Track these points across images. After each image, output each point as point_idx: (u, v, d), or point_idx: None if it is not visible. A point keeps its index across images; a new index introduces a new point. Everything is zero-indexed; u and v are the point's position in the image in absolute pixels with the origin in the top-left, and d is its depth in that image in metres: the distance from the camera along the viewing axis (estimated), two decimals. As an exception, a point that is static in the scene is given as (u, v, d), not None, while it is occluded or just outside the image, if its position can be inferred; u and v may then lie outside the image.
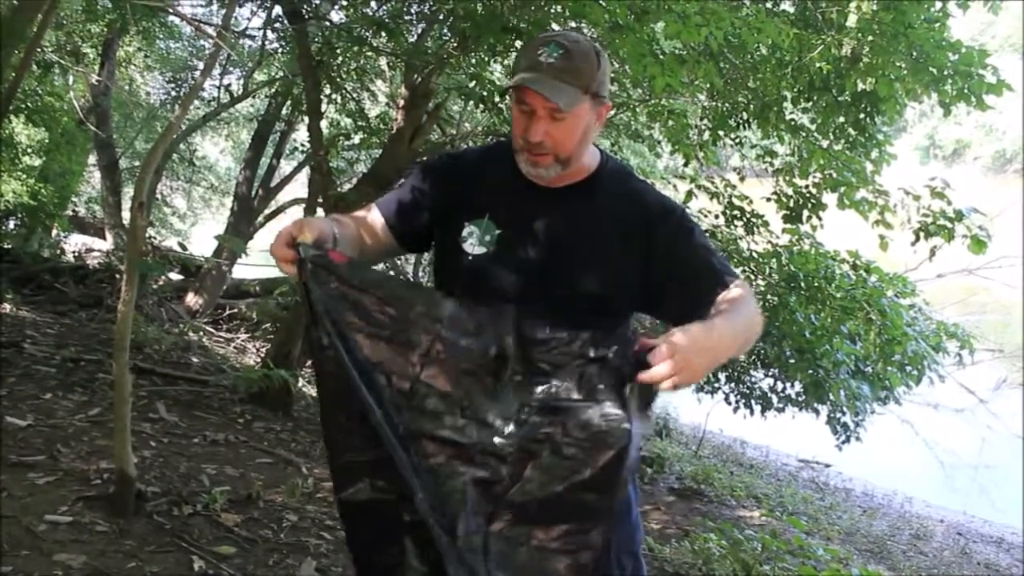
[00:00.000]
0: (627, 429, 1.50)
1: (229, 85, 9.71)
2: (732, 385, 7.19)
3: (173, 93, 12.09)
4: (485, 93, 5.61)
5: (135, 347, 5.92)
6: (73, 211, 12.00)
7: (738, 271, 1.90)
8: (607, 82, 1.79)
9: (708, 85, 5.57)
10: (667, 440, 9.24)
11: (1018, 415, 9.12)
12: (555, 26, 5.18)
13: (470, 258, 1.82)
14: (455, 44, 5.48)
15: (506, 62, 6.26)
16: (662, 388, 1.48)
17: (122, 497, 3.31)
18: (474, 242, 1.83)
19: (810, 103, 5.91)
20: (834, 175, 5.66)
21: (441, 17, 5.67)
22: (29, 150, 9.68)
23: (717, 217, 7.07)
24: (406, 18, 6.13)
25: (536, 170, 1.79)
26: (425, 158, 5.81)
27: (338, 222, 1.83)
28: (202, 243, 13.95)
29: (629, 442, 1.50)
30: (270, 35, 7.39)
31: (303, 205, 7.60)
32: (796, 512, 7.02)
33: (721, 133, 6.37)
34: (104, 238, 11.08)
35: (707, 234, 6.77)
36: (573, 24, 5.28)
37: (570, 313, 1.75)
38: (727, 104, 6.07)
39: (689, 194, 6.94)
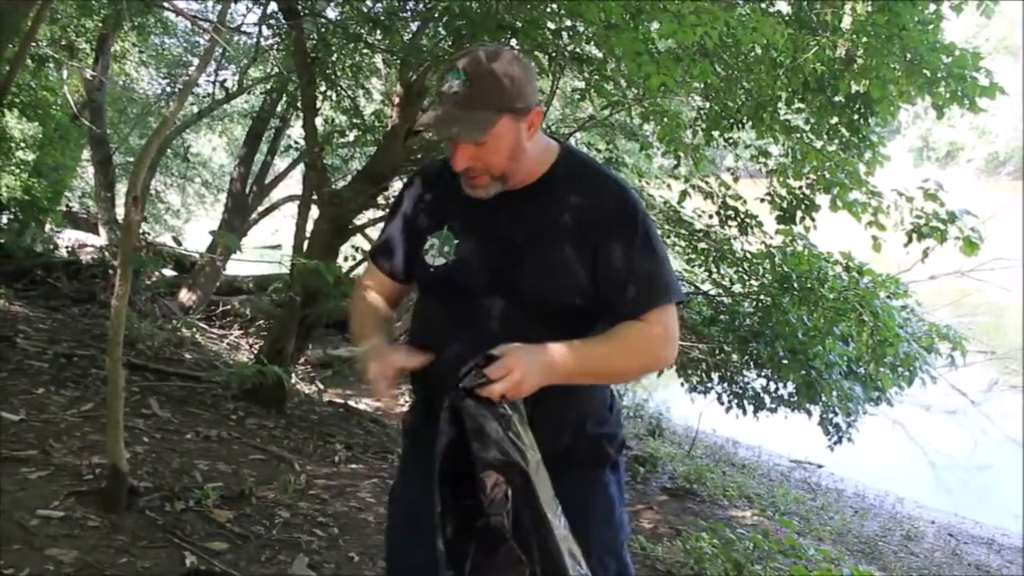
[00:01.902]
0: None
1: (224, 81, 9.70)
2: (725, 385, 7.20)
3: (168, 89, 12.07)
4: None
5: (128, 343, 5.90)
6: (67, 206, 11.97)
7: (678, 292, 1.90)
8: (528, 89, 1.76)
9: (702, 85, 5.58)
10: (660, 440, 9.25)
11: (1009, 416, 9.16)
12: (550, 24, 5.18)
13: (432, 270, 1.84)
14: (450, 42, 5.48)
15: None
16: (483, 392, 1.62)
17: (114, 492, 3.32)
18: (435, 254, 1.84)
19: (803, 104, 5.92)
20: (827, 176, 5.67)
21: (436, 15, 5.66)
22: (23, 144, 9.65)
23: (711, 217, 7.08)
24: (402, 15, 6.13)
25: (475, 192, 1.80)
26: (413, 165, 5.81)
27: (372, 317, 1.97)
28: (196, 239, 13.92)
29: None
30: (265, 31, 7.38)
31: (297, 202, 7.59)
32: (788, 512, 7.03)
33: (715, 133, 6.37)
34: (97, 233, 11.06)
35: (701, 233, 6.83)
36: (569, 22, 5.28)
37: (539, 316, 1.77)
38: (721, 104, 6.07)
39: (683, 194, 6.95)
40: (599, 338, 1.79)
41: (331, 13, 6.87)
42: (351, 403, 7.47)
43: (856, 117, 5.79)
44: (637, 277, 1.79)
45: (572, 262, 1.78)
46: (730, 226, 6.98)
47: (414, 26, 6.28)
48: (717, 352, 6.95)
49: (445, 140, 1.73)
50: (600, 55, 5.45)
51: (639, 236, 1.81)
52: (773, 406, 6.90)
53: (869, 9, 4.98)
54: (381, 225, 2.06)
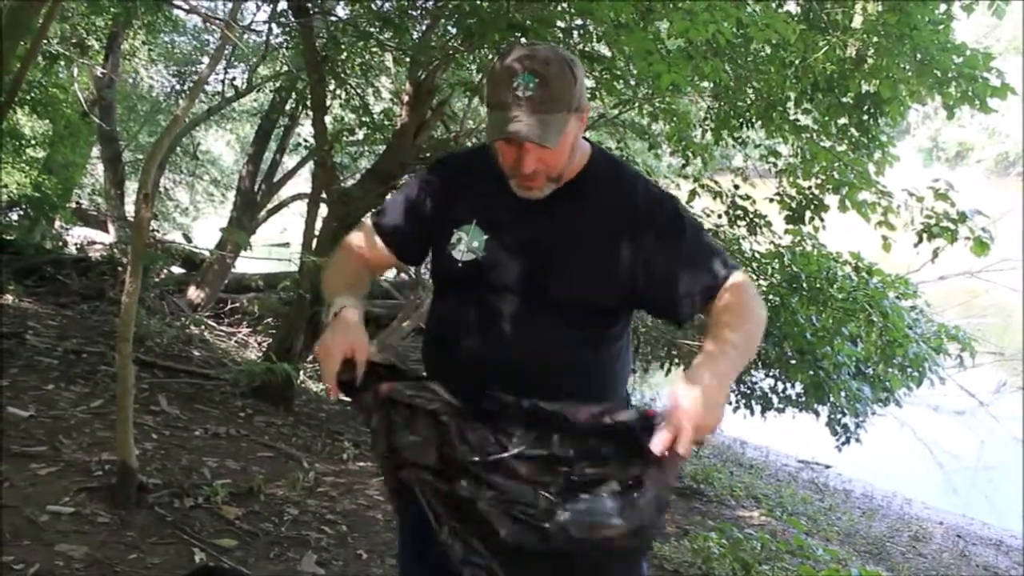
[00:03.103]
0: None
1: (234, 79, 9.72)
2: (732, 385, 7.17)
3: (177, 87, 12.10)
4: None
5: (137, 340, 5.92)
6: (76, 203, 12.01)
7: (734, 261, 1.88)
8: (584, 88, 1.76)
9: (712, 84, 5.57)
10: (667, 439, 9.22)
11: (1017, 418, 9.11)
12: (560, 23, 5.17)
13: (460, 265, 1.82)
14: (460, 40, 5.48)
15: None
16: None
17: (124, 488, 3.33)
18: (463, 249, 1.82)
19: (813, 104, 5.90)
20: (837, 176, 5.66)
21: (447, 13, 5.66)
22: (33, 142, 9.66)
23: (720, 217, 7.07)
24: (411, 14, 6.13)
25: (531, 193, 1.78)
26: (423, 164, 5.81)
27: (352, 274, 1.92)
28: (204, 238, 13.95)
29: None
30: (275, 29, 7.38)
31: (306, 200, 7.60)
32: (795, 513, 7.02)
33: (724, 133, 6.36)
34: (107, 231, 11.10)
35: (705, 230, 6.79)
36: (579, 21, 5.28)
37: (564, 316, 1.76)
38: (730, 104, 6.06)
39: (692, 193, 6.95)
40: (723, 336, 1.69)
41: (341, 11, 6.87)
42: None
43: (866, 117, 5.77)
44: (704, 259, 1.78)
45: (610, 264, 1.77)
46: (739, 226, 6.97)
47: (424, 24, 6.28)
48: (725, 352, 6.92)
49: (525, 138, 1.67)
50: (610, 54, 5.45)
51: (685, 226, 1.81)
52: (781, 406, 6.88)
53: (880, 9, 4.97)
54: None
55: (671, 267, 1.77)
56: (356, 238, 2.00)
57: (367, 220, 2.02)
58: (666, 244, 1.78)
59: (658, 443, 1.50)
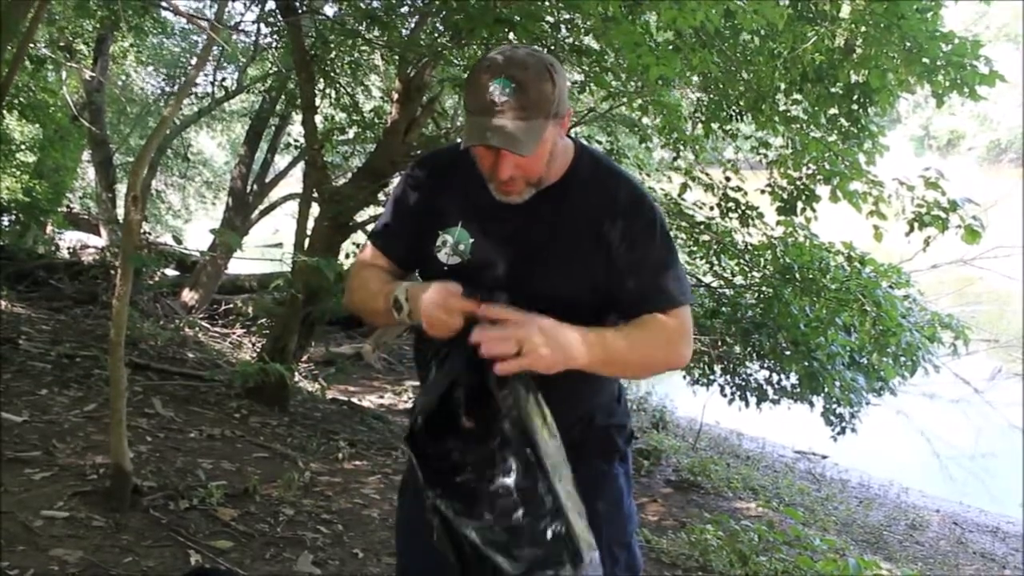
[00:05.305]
0: None
1: (223, 80, 9.70)
2: (727, 377, 7.19)
3: (167, 89, 12.09)
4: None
5: (131, 343, 5.92)
6: (68, 207, 11.98)
7: (692, 293, 1.91)
8: (565, 94, 1.73)
9: (700, 76, 5.57)
10: (664, 432, 9.24)
11: (1013, 405, 9.14)
12: (548, 18, 5.16)
13: (445, 268, 1.81)
14: (448, 37, 5.47)
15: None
16: (498, 367, 1.59)
17: (118, 492, 3.32)
18: (448, 252, 1.81)
19: (802, 94, 5.90)
20: (828, 166, 5.66)
21: (434, 10, 5.66)
22: (23, 146, 9.65)
23: (712, 209, 7.07)
24: (399, 11, 6.12)
25: (509, 198, 1.77)
26: (414, 161, 5.80)
27: (380, 277, 1.91)
28: (197, 240, 13.93)
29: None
30: (263, 29, 7.37)
31: (298, 200, 7.59)
32: (793, 503, 7.03)
33: (714, 125, 6.35)
34: (99, 234, 11.09)
35: (702, 226, 6.81)
36: (567, 16, 5.27)
37: (552, 314, 1.75)
38: (720, 95, 6.06)
39: (684, 186, 6.94)
40: (624, 328, 1.77)
41: (329, 10, 6.87)
42: (354, 400, 7.48)
43: (855, 107, 5.77)
44: (657, 274, 1.79)
45: (591, 263, 1.78)
46: (731, 218, 6.96)
47: (412, 22, 6.27)
48: (719, 344, 6.93)
49: (498, 146, 1.65)
50: (598, 47, 5.44)
51: (656, 235, 1.80)
52: (776, 398, 6.89)
53: (867, -2, 4.96)
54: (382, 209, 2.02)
55: (635, 272, 1.78)
56: (367, 259, 1.99)
57: (368, 240, 2.02)
58: (636, 248, 1.78)
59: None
